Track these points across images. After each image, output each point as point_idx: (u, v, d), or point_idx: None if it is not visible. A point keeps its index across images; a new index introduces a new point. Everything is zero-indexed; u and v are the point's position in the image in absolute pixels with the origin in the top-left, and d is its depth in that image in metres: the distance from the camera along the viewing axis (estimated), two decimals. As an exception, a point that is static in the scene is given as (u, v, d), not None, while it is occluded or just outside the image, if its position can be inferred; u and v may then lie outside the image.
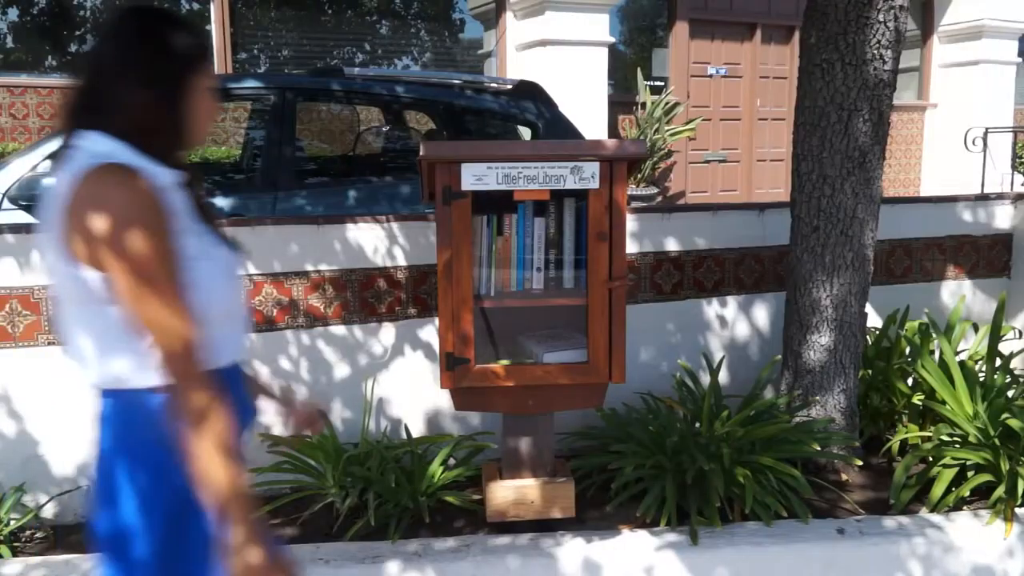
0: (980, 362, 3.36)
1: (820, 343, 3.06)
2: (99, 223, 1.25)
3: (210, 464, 1.26)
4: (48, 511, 2.81)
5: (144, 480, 1.34)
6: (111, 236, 1.24)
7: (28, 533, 2.74)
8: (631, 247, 3.26)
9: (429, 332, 3.10)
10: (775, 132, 9.60)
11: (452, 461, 2.94)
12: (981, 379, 3.13)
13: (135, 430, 1.35)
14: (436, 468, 2.79)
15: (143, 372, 1.32)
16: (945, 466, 2.82)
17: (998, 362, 3.16)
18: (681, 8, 9.03)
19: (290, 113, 4.19)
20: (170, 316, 1.26)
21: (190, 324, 1.28)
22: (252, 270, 2.92)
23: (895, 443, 3.12)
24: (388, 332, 3.09)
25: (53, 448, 2.81)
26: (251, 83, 4.46)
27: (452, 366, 2.45)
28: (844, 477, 3.06)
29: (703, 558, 2.52)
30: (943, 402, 3.04)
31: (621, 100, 8.70)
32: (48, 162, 3.71)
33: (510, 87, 4.62)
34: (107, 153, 1.31)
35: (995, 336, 3.20)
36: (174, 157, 1.40)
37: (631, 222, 3.24)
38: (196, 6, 7.78)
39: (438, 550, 2.51)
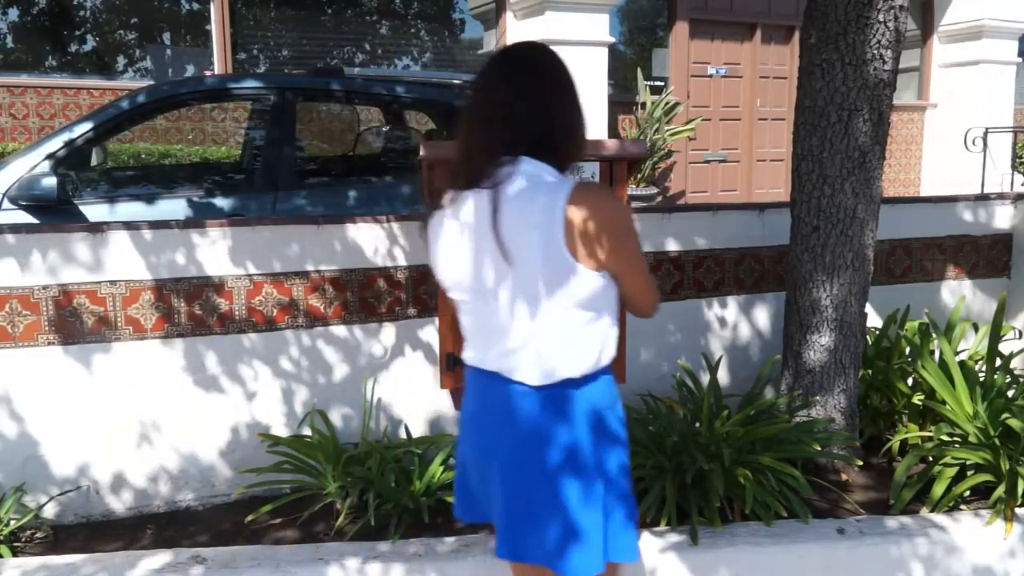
0: (980, 362, 3.36)
1: (820, 343, 3.06)
2: (618, 230, 1.60)
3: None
4: (48, 511, 2.81)
5: (617, 432, 1.72)
6: (628, 238, 1.63)
7: (28, 533, 2.74)
8: (631, 247, 3.25)
9: (429, 332, 3.10)
10: (775, 132, 9.61)
11: (452, 461, 2.94)
12: (981, 379, 3.13)
13: (606, 399, 1.70)
14: (436, 468, 2.79)
15: (605, 354, 1.68)
16: (945, 466, 2.82)
17: (998, 362, 3.16)
18: (681, 8, 9.04)
19: (290, 113, 4.19)
20: (653, 284, 1.78)
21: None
22: (252, 270, 2.92)
23: (895, 443, 3.12)
24: (388, 332, 3.09)
25: (53, 448, 2.81)
26: (251, 83, 4.46)
27: (452, 366, 2.45)
28: (844, 477, 3.06)
29: (703, 558, 2.52)
30: (943, 402, 3.04)
31: (621, 100, 8.71)
32: (47, 162, 3.71)
33: (510, 87, 4.61)
34: (540, 173, 1.59)
35: (995, 336, 3.20)
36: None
37: (631, 222, 3.24)
38: (196, 6, 7.79)
39: (438, 550, 2.51)
